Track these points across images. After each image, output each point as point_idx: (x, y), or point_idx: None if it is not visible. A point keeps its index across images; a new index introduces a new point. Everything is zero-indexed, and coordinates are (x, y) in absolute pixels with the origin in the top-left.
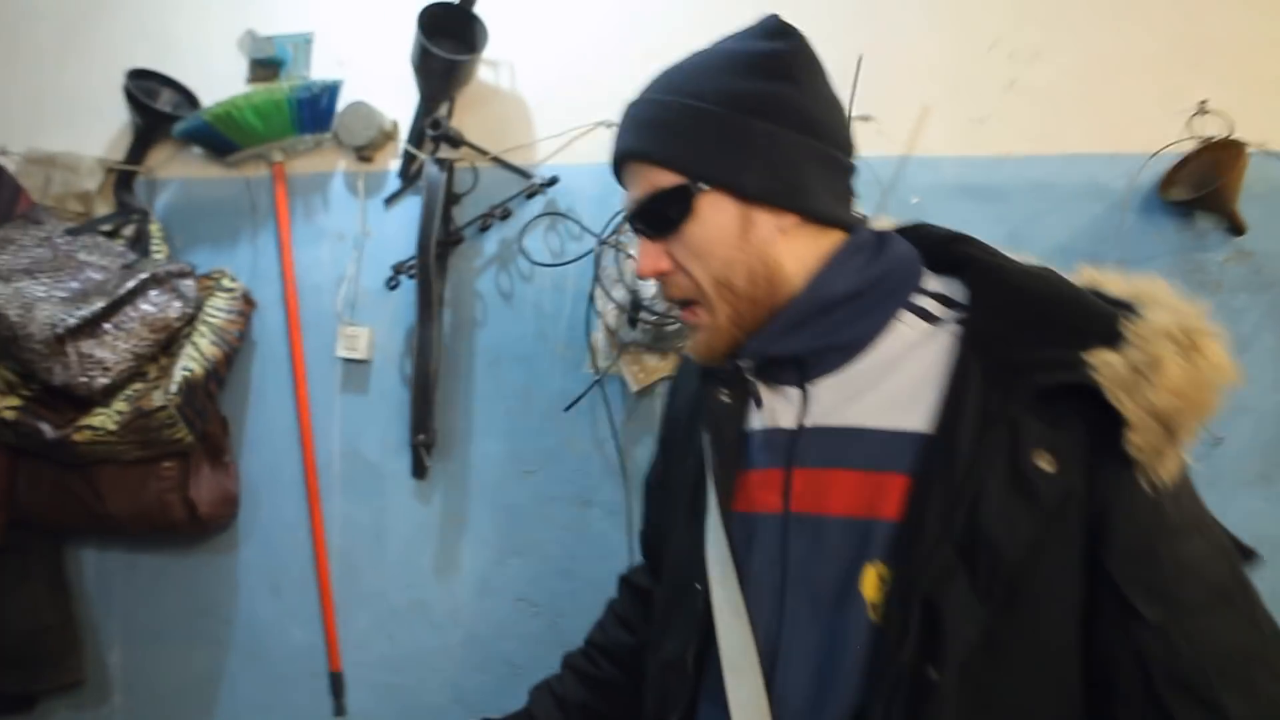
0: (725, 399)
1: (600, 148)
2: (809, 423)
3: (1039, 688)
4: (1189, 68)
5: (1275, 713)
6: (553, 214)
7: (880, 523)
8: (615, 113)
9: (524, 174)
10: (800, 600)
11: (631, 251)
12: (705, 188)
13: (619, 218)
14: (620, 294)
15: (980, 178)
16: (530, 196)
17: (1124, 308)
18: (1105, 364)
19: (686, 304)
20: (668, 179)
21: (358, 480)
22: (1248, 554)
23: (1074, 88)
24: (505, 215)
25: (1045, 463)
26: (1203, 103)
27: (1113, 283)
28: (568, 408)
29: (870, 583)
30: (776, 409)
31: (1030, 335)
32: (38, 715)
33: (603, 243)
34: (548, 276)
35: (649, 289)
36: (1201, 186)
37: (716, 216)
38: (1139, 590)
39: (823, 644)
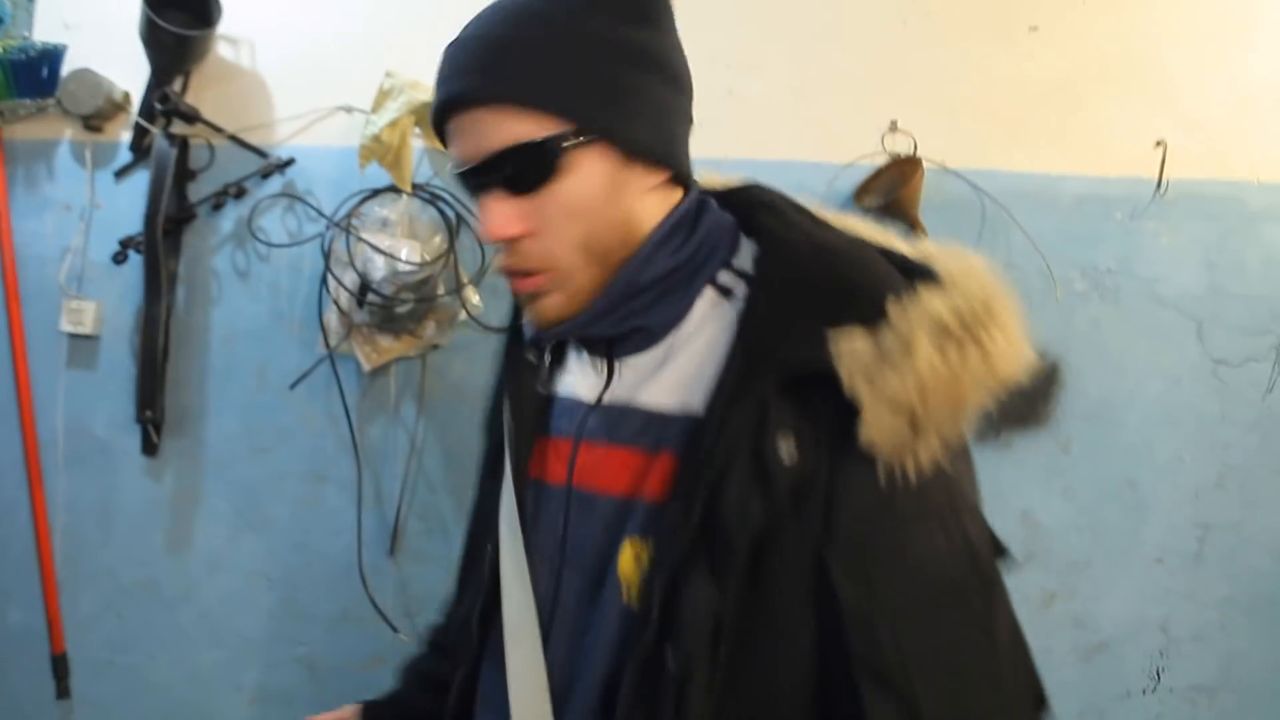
0: (532, 358)
1: (339, 131)
2: (607, 399)
3: (786, 678)
4: (883, 90)
5: None
6: (288, 195)
7: (642, 503)
8: (355, 98)
9: (261, 153)
10: (573, 576)
11: (363, 235)
12: (586, 139)
13: (352, 201)
14: (350, 277)
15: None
16: (266, 176)
17: (933, 283)
18: (850, 346)
19: (527, 272)
20: (537, 127)
21: (85, 457)
22: (1000, 550)
23: (785, 100)
24: (240, 194)
25: (786, 451)
26: (893, 122)
27: (941, 255)
28: (293, 385)
29: (627, 562)
30: (581, 378)
31: (790, 313)
32: None
33: (333, 225)
34: (284, 256)
35: (378, 272)
36: (889, 195)
37: (593, 173)
38: (844, 574)
39: (584, 622)
